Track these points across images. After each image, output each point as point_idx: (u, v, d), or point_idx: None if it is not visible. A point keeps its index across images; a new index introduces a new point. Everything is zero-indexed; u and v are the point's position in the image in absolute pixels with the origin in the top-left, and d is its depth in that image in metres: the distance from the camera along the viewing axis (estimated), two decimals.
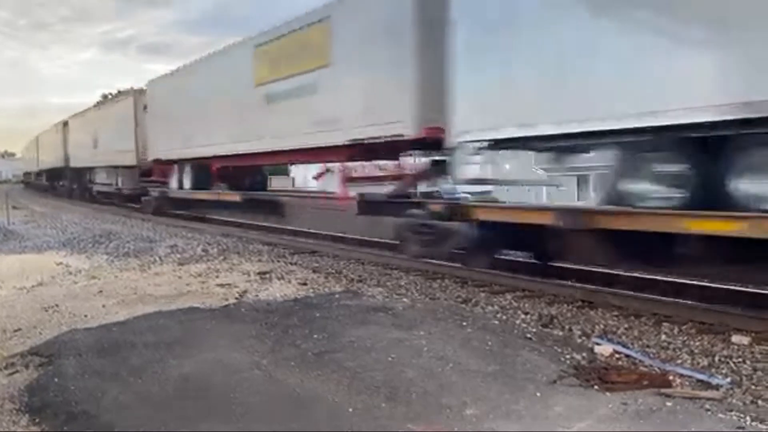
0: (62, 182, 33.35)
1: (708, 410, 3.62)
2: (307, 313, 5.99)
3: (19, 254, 10.93)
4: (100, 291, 7.29)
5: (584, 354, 4.74)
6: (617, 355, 4.73)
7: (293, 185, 28.68)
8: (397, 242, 8.78)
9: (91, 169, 26.20)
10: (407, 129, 8.25)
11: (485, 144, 6.94)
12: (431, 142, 8.10)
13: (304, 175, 27.69)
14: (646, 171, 6.09)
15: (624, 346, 4.96)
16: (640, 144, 5.78)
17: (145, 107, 18.96)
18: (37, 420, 3.61)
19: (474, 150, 7.08)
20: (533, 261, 8.04)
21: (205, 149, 14.55)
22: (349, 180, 9.84)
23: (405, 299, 6.73)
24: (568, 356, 4.68)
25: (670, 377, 4.23)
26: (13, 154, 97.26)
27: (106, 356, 4.71)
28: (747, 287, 6.21)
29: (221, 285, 7.57)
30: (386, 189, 9.53)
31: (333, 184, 10.28)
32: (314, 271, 8.66)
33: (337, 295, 6.89)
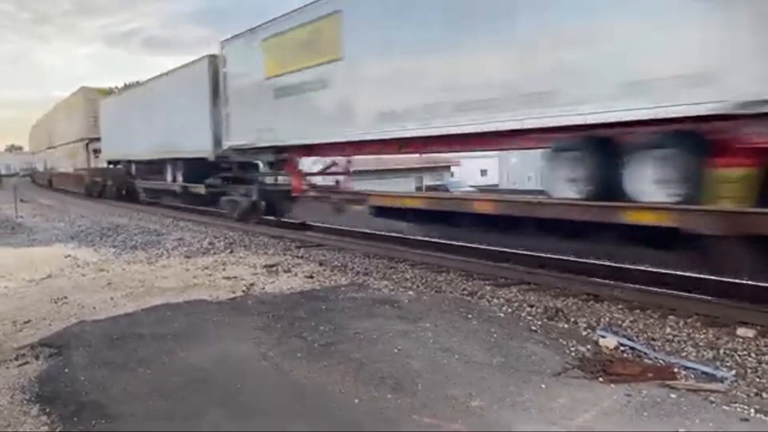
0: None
1: (712, 402, 3.64)
2: (313, 305, 6.03)
3: (27, 247, 11.02)
4: (109, 283, 7.35)
5: (589, 346, 4.76)
6: (622, 348, 4.74)
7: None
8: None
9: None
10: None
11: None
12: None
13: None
14: None
15: (629, 338, 4.97)
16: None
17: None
18: (47, 409, 3.66)
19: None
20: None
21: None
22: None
23: (411, 292, 6.76)
24: (573, 348, 4.70)
25: (675, 370, 4.24)
26: (20, 148, 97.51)
27: (115, 348, 4.77)
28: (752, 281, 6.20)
29: (228, 278, 7.62)
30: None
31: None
32: (320, 264, 8.70)
33: (343, 288, 6.92)
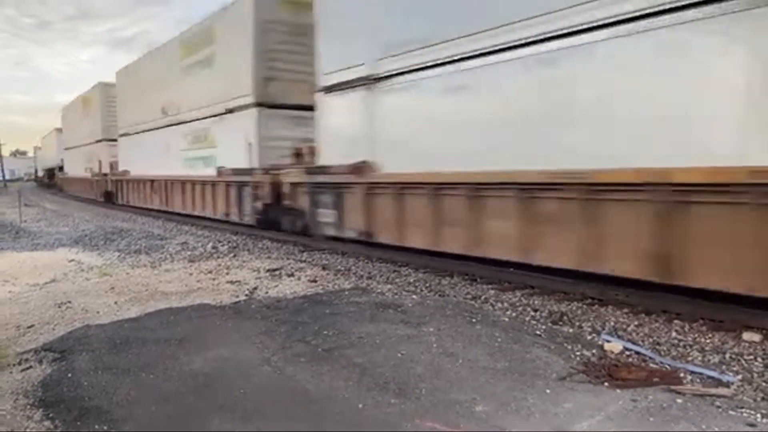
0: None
1: (718, 407, 3.61)
2: (316, 309, 6.02)
3: (31, 251, 11.04)
4: (112, 288, 7.36)
5: (594, 351, 4.73)
6: (627, 353, 4.72)
7: None
8: None
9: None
10: None
11: None
12: None
13: None
14: None
15: (634, 343, 4.95)
16: None
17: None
18: (50, 415, 3.66)
19: None
20: None
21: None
22: None
23: (414, 296, 6.74)
24: (577, 353, 4.68)
25: (681, 374, 4.22)
26: (24, 153, 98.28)
27: (119, 352, 4.76)
28: None
29: (231, 282, 7.61)
30: None
31: None
32: (323, 269, 8.69)
33: (346, 292, 6.91)
